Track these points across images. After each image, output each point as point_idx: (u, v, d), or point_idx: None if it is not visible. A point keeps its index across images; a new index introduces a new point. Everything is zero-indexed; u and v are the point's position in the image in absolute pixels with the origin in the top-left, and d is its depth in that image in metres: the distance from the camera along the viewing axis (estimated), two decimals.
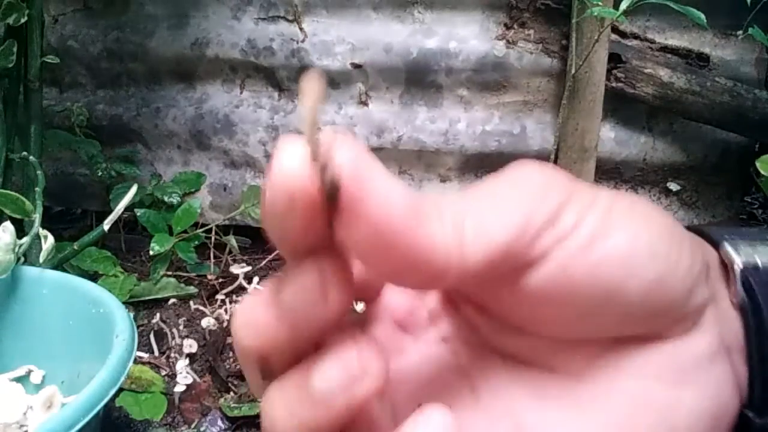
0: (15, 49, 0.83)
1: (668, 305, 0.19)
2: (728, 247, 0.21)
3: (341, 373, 0.17)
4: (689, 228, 0.22)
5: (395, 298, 0.22)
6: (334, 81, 1.10)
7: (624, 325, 0.19)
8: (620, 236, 0.18)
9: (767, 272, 0.20)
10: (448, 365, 0.21)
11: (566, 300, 0.18)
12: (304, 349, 0.17)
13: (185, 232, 1.00)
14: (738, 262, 0.20)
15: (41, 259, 0.74)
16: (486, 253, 0.17)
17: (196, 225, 1.03)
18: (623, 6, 0.85)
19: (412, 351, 0.22)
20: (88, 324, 0.64)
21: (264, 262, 1.15)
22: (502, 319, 0.20)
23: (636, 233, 0.18)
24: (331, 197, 0.15)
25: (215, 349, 0.86)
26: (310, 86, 0.15)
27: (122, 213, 0.83)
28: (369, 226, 0.15)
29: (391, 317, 0.22)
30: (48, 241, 0.74)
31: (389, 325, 0.22)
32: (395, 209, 0.15)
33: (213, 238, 1.10)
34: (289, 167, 0.15)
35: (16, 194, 0.75)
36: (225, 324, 0.93)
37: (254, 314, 0.17)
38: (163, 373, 0.82)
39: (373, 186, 0.15)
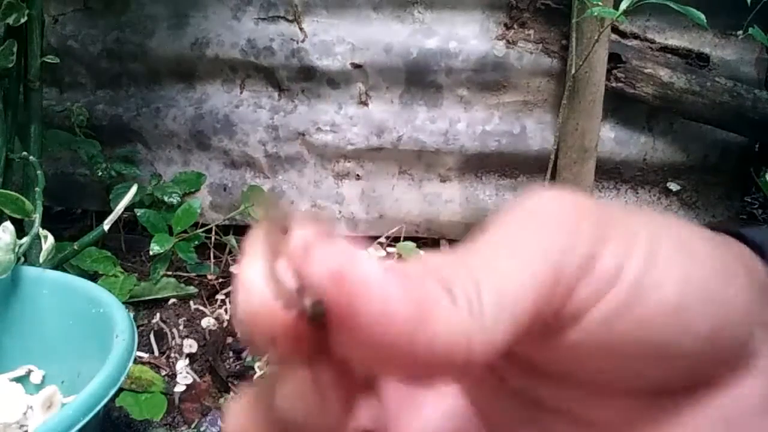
0: (15, 49, 0.83)
1: (728, 353, 0.16)
2: None
3: None
4: (722, 230, 0.19)
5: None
6: (334, 81, 1.10)
7: (674, 379, 0.17)
8: (669, 284, 0.15)
9: None
10: (470, 421, 0.19)
11: (610, 356, 0.16)
12: None
13: (185, 232, 1.00)
14: None
15: (41, 259, 0.74)
16: (512, 326, 0.14)
17: (196, 225, 1.03)
18: (623, 6, 0.85)
19: (431, 406, 0.19)
20: (88, 324, 0.64)
21: None
22: (533, 370, 0.18)
23: (686, 277, 0.16)
24: (317, 317, 0.13)
25: (215, 349, 0.86)
26: (266, 208, 0.13)
27: (122, 213, 0.83)
28: (370, 342, 0.13)
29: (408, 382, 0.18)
30: (48, 241, 0.74)
31: (401, 384, 0.19)
32: (396, 314, 0.13)
33: (213, 238, 1.10)
34: (251, 307, 0.13)
35: (16, 194, 0.75)
36: (225, 324, 0.93)
37: (245, 426, 0.15)
38: (163, 373, 0.82)
39: (364, 294, 0.12)
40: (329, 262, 0.13)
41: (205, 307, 0.98)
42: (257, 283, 0.13)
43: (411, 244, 1.06)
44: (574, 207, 0.16)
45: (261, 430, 0.14)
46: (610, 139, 1.07)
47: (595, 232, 0.15)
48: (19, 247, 0.71)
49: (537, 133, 1.08)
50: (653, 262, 0.15)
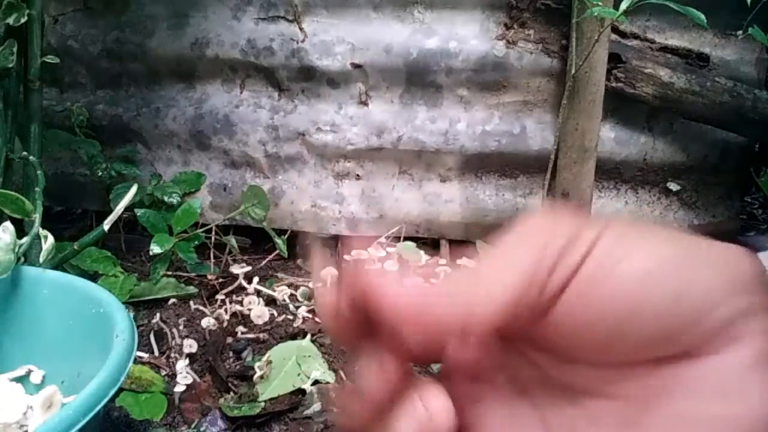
0: (15, 49, 0.83)
1: (693, 320, 0.19)
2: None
3: (411, 423, 0.20)
4: (731, 240, 0.22)
5: (461, 354, 0.23)
6: (334, 81, 1.10)
7: (657, 345, 0.20)
8: (634, 257, 0.19)
9: None
10: (521, 405, 0.23)
11: (593, 324, 0.19)
12: (386, 408, 0.21)
13: (185, 232, 1.00)
14: None
15: (41, 259, 0.74)
16: (500, 303, 0.19)
17: (196, 225, 1.03)
18: (623, 6, 0.85)
19: (488, 397, 0.24)
20: (88, 324, 0.64)
21: (264, 262, 1.15)
22: (552, 352, 0.22)
23: (650, 253, 0.19)
24: (362, 313, 0.20)
25: (215, 349, 0.86)
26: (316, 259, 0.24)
27: (122, 213, 0.83)
28: (391, 320, 0.20)
29: (461, 372, 0.24)
30: (48, 241, 0.74)
31: (461, 378, 0.24)
32: (406, 304, 0.19)
33: (213, 238, 1.10)
34: (325, 317, 0.21)
35: (16, 194, 0.74)
36: (225, 324, 0.93)
37: (349, 407, 0.22)
38: (163, 373, 0.82)
39: (383, 294, 0.19)
40: (365, 280, 0.20)
41: (205, 307, 0.98)
42: (328, 304, 0.21)
43: (411, 244, 1.06)
44: (556, 218, 0.20)
45: (358, 407, 0.21)
46: (610, 139, 1.07)
47: (571, 230, 0.19)
48: (19, 247, 0.71)
49: (537, 133, 1.08)
50: (622, 243, 0.19)
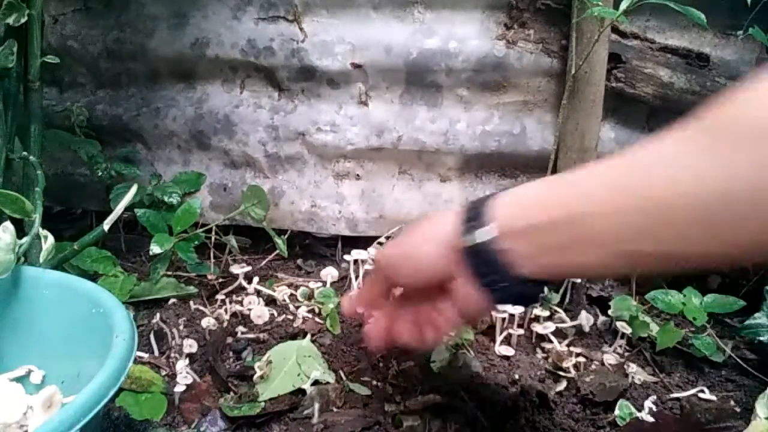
0: (15, 49, 0.83)
1: (436, 277, 0.55)
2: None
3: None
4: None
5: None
6: (334, 81, 1.10)
7: (433, 282, 0.56)
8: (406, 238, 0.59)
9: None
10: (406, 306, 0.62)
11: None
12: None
13: (185, 232, 1.00)
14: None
15: (41, 259, 0.74)
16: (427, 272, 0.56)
17: (196, 225, 1.03)
18: (623, 6, 0.85)
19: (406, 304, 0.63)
20: (88, 324, 0.64)
21: (264, 262, 1.15)
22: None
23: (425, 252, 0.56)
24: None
25: (215, 349, 0.86)
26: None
27: (122, 213, 0.83)
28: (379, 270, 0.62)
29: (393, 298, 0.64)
30: (48, 241, 0.74)
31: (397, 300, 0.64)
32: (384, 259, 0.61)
33: (213, 238, 1.10)
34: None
35: (16, 194, 0.74)
36: (225, 324, 0.93)
37: (351, 306, 0.67)
38: (163, 373, 0.82)
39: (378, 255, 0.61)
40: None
41: (205, 307, 0.98)
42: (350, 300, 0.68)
43: None
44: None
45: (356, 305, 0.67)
46: (610, 139, 1.07)
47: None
48: (19, 247, 0.71)
49: (537, 133, 1.08)
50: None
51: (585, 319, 0.95)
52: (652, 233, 0.41)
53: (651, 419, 0.76)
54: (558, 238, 0.45)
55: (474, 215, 0.50)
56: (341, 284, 1.08)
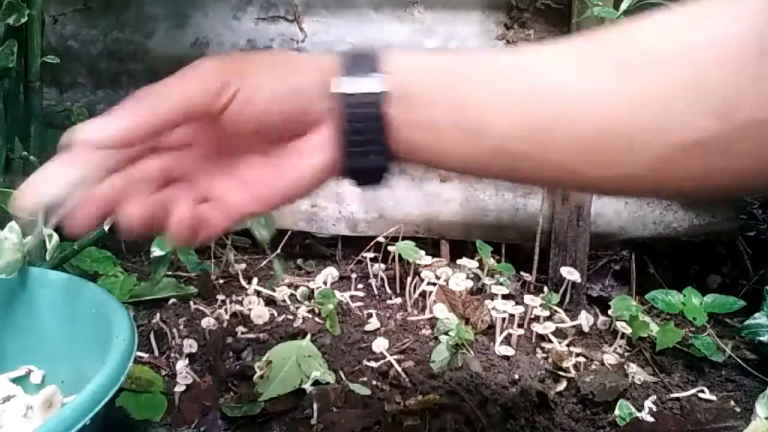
0: (15, 49, 0.83)
1: (299, 112, 0.41)
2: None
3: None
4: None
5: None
6: None
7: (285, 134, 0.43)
8: (259, 80, 0.41)
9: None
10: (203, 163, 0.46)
11: (244, 128, 0.42)
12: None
13: None
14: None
15: (47, 258, 0.74)
16: (178, 102, 0.43)
17: None
18: (623, 6, 0.85)
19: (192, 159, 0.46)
20: (88, 324, 0.64)
21: (264, 263, 1.15)
22: (224, 143, 0.44)
23: (273, 77, 0.41)
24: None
25: (215, 349, 0.86)
26: None
27: None
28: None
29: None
30: (53, 241, 0.74)
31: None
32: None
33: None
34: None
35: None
36: (225, 324, 0.93)
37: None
38: (163, 373, 0.82)
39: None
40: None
41: (205, 307, 0.98)
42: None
43: (410, 244, 1.06)
44: (221, 62, 0.43)
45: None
46: None
47: (228, 73, 0.42)
48: (24, 246, 0.71)
49: None
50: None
51: (585, 319, 0.95)
52: (537, 137, 0.38)
53: (651, 419, 0.76)
54: (444, 116, 0.40)
55: (360, 62, 0.41)
56: (341, 284, 1.08)
